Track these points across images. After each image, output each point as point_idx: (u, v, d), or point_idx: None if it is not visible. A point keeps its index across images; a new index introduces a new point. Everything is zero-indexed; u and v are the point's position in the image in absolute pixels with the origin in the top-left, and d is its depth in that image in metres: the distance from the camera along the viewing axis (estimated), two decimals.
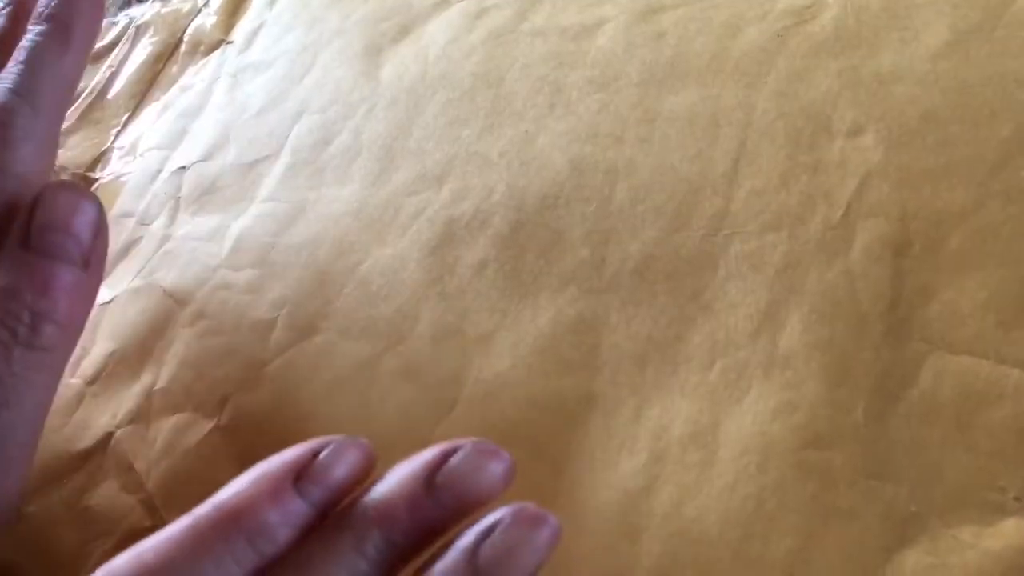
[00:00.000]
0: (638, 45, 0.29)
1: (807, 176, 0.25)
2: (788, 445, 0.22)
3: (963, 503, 0.20)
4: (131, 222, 0.35)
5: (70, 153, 0.39)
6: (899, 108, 0.25)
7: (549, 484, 0.23)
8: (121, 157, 0.38)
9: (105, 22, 0.41)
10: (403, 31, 0.34)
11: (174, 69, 0.40)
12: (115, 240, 0.34)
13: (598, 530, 0.22)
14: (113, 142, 0.39)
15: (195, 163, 0.35)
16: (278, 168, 0.33)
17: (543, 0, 0.32)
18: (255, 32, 0.38)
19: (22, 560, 0.28)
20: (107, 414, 0.30)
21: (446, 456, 0.20)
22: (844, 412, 0.21)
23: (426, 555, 0.20)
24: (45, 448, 0.27)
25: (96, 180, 0.37)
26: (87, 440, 0.30)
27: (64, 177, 0.38)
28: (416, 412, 0.26)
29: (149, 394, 0.29)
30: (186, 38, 0.40)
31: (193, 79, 0.38)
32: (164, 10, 0.42)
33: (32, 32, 0.27)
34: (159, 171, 0.36)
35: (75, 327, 0.25)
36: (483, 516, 0.19)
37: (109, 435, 0.29)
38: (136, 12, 0.42)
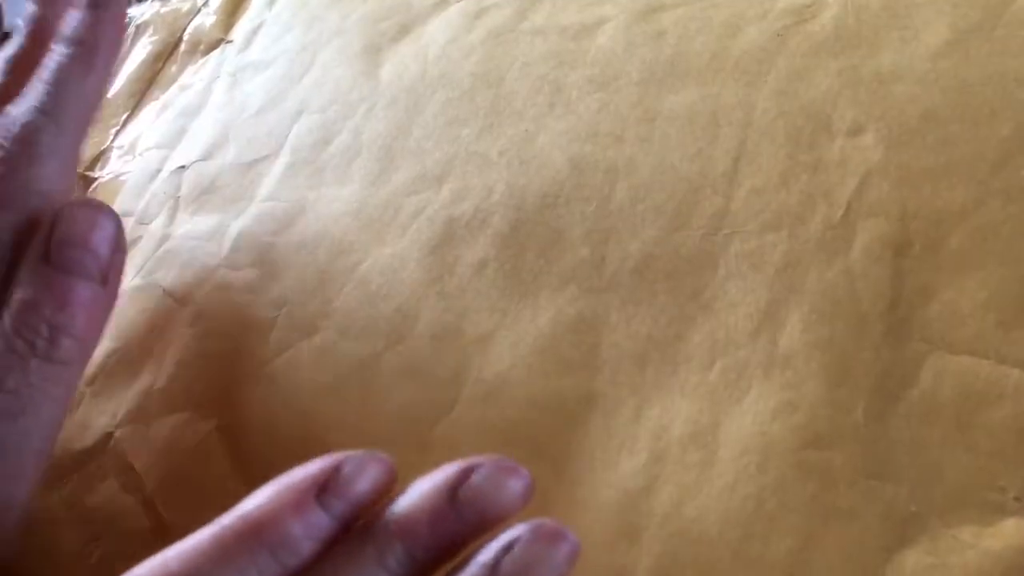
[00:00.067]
0: (638, 44, 0.29)
1: (807, 175, 0.25)
2: (788, 445, 0.22)
3: (963, 503, 0.20)
4: (130, 221, 0.35)
5: None
6: (899, 107, 0.25)
7: (549, 484, 0.23)
8: (120, 156, 0.38)
9: None
10: (403, 30, 0.34)
11: (173, 68, 0.40)
12: None
13: (598, 530, 0.22)
14: (112, 141, 0.39)
15: (194, 162, 0.35)
16: (278, 168, 0.33)
17: None
18: (254, 31, 0.38)
19: (22, 560, 0.28)
20: (107, 414, 0.30)
21: (467, 473, 0.20)
22: (844, 412, 0.21)
23: (445, 570, 0.20)
24: None
25: (95, 179, 0.37)
26: (87, 440, 0.30)
27: None
28: (416, 412, 0.26)
29: (149, 394, 0.29)
30: (185, 37, 0.40)
31: (192, 78, 0.38)
32: (163, 9, 0.42)
33: (57, 52, 0.27)
34: (158, 170, 0.36)
35: (91, 341, 0.25)
36: (501, 532, 0.19)
37: (109, 435, 0.29)
38: (136, 11, 0.42)
